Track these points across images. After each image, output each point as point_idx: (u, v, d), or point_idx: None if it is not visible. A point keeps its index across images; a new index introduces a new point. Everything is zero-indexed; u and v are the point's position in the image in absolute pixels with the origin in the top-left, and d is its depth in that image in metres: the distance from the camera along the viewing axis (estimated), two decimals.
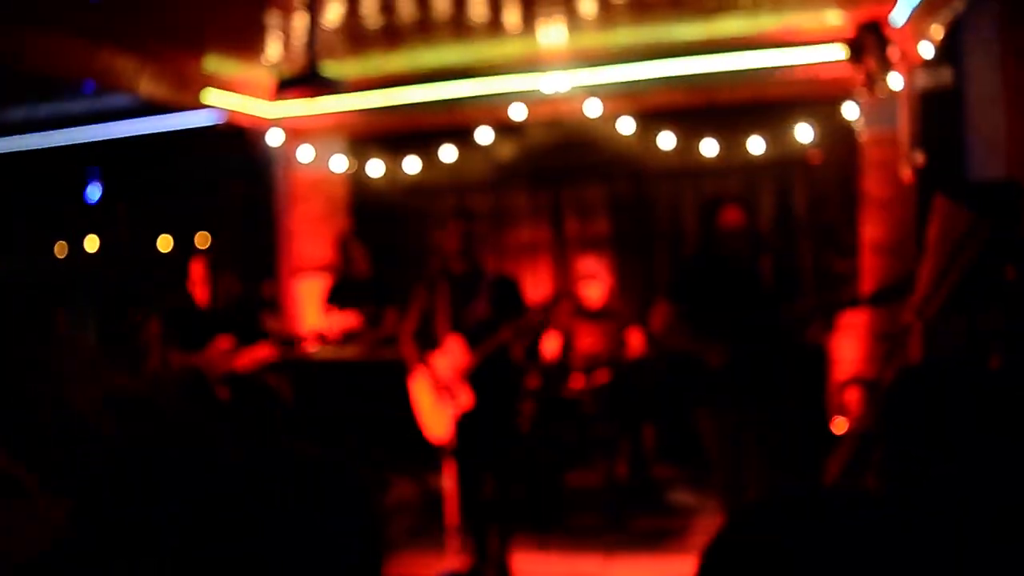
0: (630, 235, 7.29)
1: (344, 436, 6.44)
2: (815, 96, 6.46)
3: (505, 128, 7.04)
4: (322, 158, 7.55)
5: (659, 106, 6.71)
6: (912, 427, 1.39)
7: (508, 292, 4.55)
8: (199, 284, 5.00)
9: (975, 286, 4.23)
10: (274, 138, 7.28)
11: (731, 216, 4.19)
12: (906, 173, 6.05)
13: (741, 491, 4.20)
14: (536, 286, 7.11)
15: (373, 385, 6.36)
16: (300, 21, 5.25)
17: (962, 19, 5.44)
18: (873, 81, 5.79)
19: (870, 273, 6.41)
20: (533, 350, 5.86)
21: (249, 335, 4.93)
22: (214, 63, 6.36)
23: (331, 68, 5.61)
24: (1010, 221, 4.16)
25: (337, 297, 6.60)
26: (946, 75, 5.93)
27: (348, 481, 1.19)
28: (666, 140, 6.79)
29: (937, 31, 5.49)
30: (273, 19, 5.47)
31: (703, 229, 4.32)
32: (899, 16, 5.56)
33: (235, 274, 5.17)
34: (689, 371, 4.28)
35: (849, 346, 6.45)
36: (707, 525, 5.30)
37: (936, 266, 4.45)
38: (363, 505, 1.19)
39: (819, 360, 6.06)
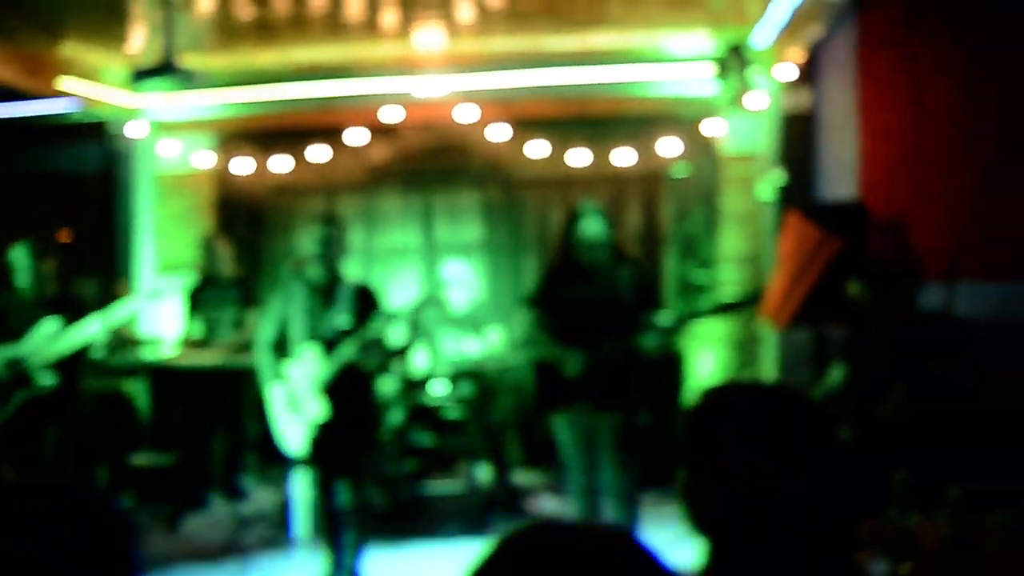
0: (500, 241, 7.31)
1: (200, 444, 6.22)
2: (681, 112, 6.62)
3: (378, 130, 6.95)
4: (187, 153, 7.27)
5: (532, 114, 6.76)
6: (759, 441, 1.39)
7: (368, 301, 4.46)
8: (20, 272, 4.78)
9: (822, 300, 4.42)
10: (135, 131, 6.97)
11: (591, 226, 4.24)
12: (764, 190, 6.27)
13: (594, 497, 4.25)
14: (404, 291, 7.03)
15: (232, 392, 6.16)
16: (158, 9, 5.02)
17: (821, 44, 5.69)
18: (736, 100, 5.98)
19: (727, 284, 6.64)
20: (393, 358, 5.77)
21: (76, 318, 4.72)
22: (71, 48, 6.04)
23: (195, 60, 5.40)
24: (856, 241, 4.37)
25: (199, 299, 6.35)
26: (805, 97, 6.18)
27: (97, 514, 1.14)
28: (537, 148, 6.84)
29: (798, 54, 5.71)
30: (132, 5, 5.23)
31: (564, 238, 4.35)
32: (763, 38, 5.75)
33: (56, 258, 4.95)
34: (547, 378, 4.30)
35: (705, 354, 6.64)
36: None
37: (787, 279, 4.63)
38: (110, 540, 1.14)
39: (674, 367, 6.21)
